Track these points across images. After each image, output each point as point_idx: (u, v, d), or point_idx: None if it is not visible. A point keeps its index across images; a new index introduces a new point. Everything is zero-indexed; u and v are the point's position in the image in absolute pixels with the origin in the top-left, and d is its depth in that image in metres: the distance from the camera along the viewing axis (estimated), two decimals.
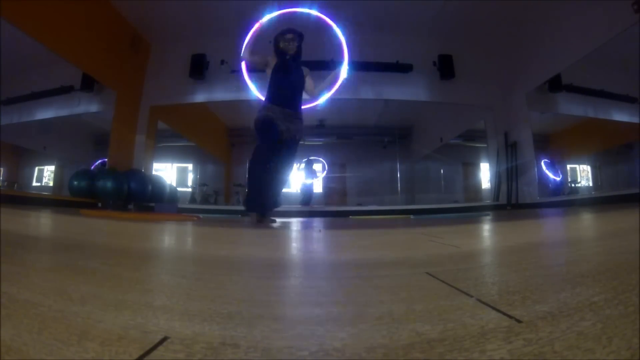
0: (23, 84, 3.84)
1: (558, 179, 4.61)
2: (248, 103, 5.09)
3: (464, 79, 4.95)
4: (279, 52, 2.33)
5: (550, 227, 1.36)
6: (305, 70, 2.41)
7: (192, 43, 4.93)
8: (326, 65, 4.21)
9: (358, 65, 4.67)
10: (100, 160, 4.61)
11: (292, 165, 2.34)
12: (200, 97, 5.02)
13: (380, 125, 6.24)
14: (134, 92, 4.85)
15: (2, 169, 3.78)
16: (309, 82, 2.43)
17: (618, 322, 0.25)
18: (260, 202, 2.12)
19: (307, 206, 5.28)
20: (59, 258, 0.62)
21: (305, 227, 1.79)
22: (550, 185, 4.58)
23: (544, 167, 4.59)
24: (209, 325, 0.27)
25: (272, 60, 2.34)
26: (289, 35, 2.32)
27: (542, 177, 4.55)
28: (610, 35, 3.31)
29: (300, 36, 2.37)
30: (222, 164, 6.40)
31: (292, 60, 2.34)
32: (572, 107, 4.45)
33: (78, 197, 3.72)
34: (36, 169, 4.40)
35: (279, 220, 2.26)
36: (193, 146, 6.19)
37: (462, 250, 0.75)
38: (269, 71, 2.33)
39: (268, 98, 2.27)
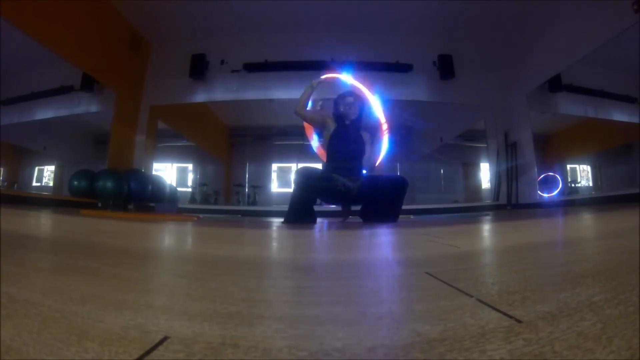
0: (23, 84, 3.84)
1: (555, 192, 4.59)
2: (248, 103, 5.12)
3: (464, 79, 4.95)
4: (339, 117, 2.23)
5: (550, 227, 1.36)
6: (365, 135, 2.31)
7: (192, 43, 4.94)
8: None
9: (358, 65, 4.68)
10: None
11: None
12: (200, 97, 5.02)
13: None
14: (134, 92, 4.85)
15: (2, 169, 3.77)
16: (369, 149, 2.32)
17: (618, 322, 0.25)
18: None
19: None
20: (59, 258, 0.62)
21: (305, 227, 1.79)
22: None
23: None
24: (209, 325, 0.27)
25: (332, 124, 2.24)
26: (350, 99, 2.22)
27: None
28: (610, 35, 3.31)
29: (362, 100, 2.28)
30: (222, 164, 6.40)
31: (353, 125, 2.24)
32: (572, 107, 4.45)
33: (78, 197, 3.72)
34: (36, 169, 4.40)
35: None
36: (193, 146, 6.18)
37: (462, 250, 0.74)
38: (327, 134, 2.23)
39: (327, 167, 2.20)
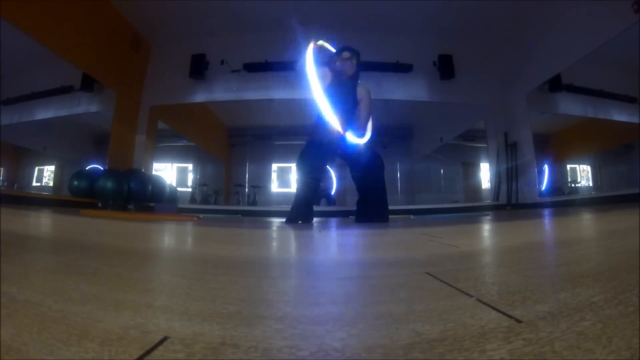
0: (23, 84, 3.84)
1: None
2: (248, 103, 5.12)
3: (464, 79, 4.95)
4: (335, 72, 2.21)
5: (550, 227, 1.36)
6: (362, 91, 2.25)
7: (192, 43, 4.93)
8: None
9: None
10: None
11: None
12: (200, 97, 5.02)
13: (379, 125, 6.23)
14: (134, 92, 4.85)
15: (2, 169, 3.77)
16: (363, 107, 2.26)
17: (618, 322, 0.25)
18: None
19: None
20: (59, 258, 0.62)
21: (305, 227, 1.79)
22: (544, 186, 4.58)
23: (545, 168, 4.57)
24: (209, 325, 0.27)
25: (328, 76, 2.20)
26: (346, 54, 2.20)
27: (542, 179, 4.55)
28: (610, 35, 3.31)
29: (357, 54, 2.24)
30: (222, 164, 6.39)
31: (349, 81, 2.21)
32: (572, 107, 4.45)
33: (78, 197, 3.72)
34: (36, 169, 4.39)
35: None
36: (193, 146, 6.18)
37: (462, 250, 0.74)
38: (322, 85, 2.16)
39: (318, 118, 2.16)
